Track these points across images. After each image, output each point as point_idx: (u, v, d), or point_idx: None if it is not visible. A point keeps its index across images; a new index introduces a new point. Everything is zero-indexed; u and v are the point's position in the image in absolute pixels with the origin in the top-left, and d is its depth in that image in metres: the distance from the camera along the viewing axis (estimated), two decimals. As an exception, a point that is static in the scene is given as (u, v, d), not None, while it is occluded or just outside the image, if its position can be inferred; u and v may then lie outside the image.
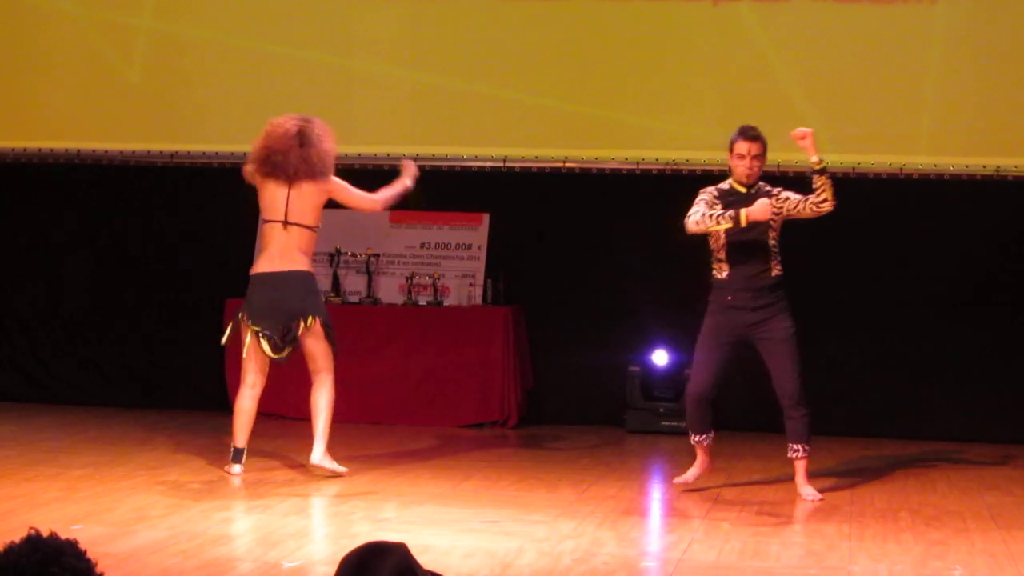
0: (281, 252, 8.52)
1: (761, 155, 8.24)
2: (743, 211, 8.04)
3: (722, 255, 8.28)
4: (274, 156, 8.48)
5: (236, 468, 8.60)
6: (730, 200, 8.16)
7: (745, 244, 8.20)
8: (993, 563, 6.73)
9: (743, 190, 8.24)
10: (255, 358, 8.56)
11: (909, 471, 9.32)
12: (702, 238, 8.35)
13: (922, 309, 10.63)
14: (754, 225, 8.08)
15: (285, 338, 8.47)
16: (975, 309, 10.58)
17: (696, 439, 8.47)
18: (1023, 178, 10.25)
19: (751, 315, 8.22)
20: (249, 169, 8.67)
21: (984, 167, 10.22)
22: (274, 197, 8.52)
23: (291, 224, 8.50)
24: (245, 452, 8.65)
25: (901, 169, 10.32)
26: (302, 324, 8.44)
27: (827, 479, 8.81)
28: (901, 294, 10.67)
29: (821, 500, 8.20)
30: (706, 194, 8.27)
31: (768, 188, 8.27)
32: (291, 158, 8.44)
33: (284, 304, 8.46)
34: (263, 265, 8.57)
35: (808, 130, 8.22)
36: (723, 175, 10.06)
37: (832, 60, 10.36)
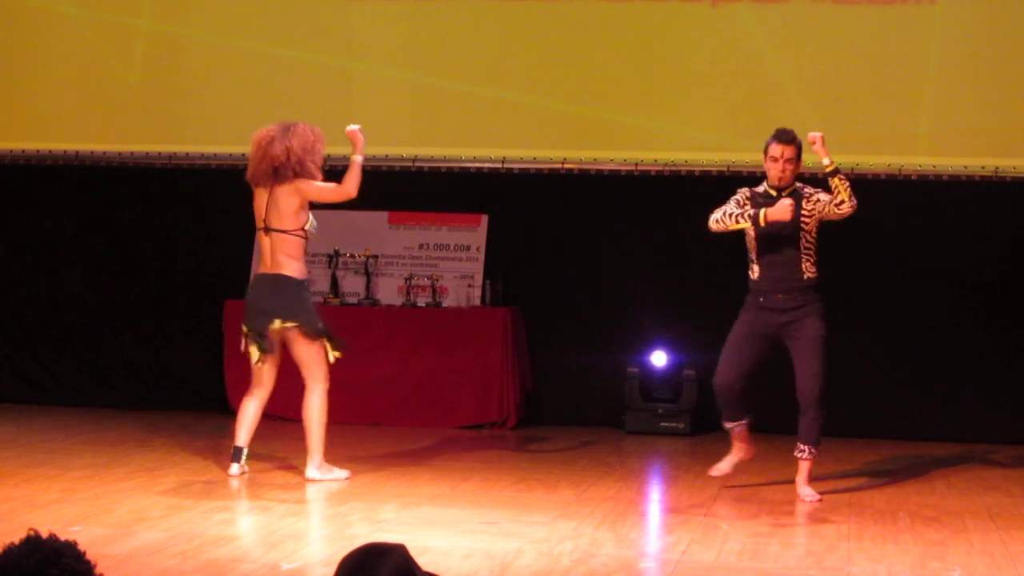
0: (271, 258, 8.58)
1: (794, 159, 8.22)
2: (763, 210, 8.06)
3: (753, 256, 8.30)
4: (249, 164, 8.62)
5: (234, 468, 8.60)
6: (760, 202, 8.18)
7: (775, 245, 8.20)
8: (992, 563, 6.74)
9: (774, 193, 8.23)
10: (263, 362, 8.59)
11: (908, 472, 9.32)
12: (734, 240, 8.37)
13: (921, 310, 10.63)
14: (781, 226, 8.09)
15: (264, 337, 8.49)
16: (974, 310, 10.59)
17: (728, 426, 8.43)
18: (1022, 179, 10.26)
19: (782, 316, 8.22)
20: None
21: (983, 168, 10.22)
22: (258, 205, 8.62)
23: (271, 230, 8.54)
24: (245, 452, 8.64)
25: (900, 170, 10.33)
26: (270, 325, 8.44)
27: (826, 480, 8.81)
28: (899, 295, 10.67)
29: (820, 501, 8.20)
30: (739, 194, 8.29)
31: (804, 190, 8.26)
32: (254, 164, 8.55)
33: (261, 304, 8.51)
34: (256, 270, 8.68)
35: (818, 134, 8.23)
36: (722, 176, 10.11)
37: (831, 61, 10.36)
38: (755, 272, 8.30)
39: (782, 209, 8.03)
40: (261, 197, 8.58)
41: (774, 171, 8.24)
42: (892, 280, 10.69)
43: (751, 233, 8.25)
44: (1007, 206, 10.48)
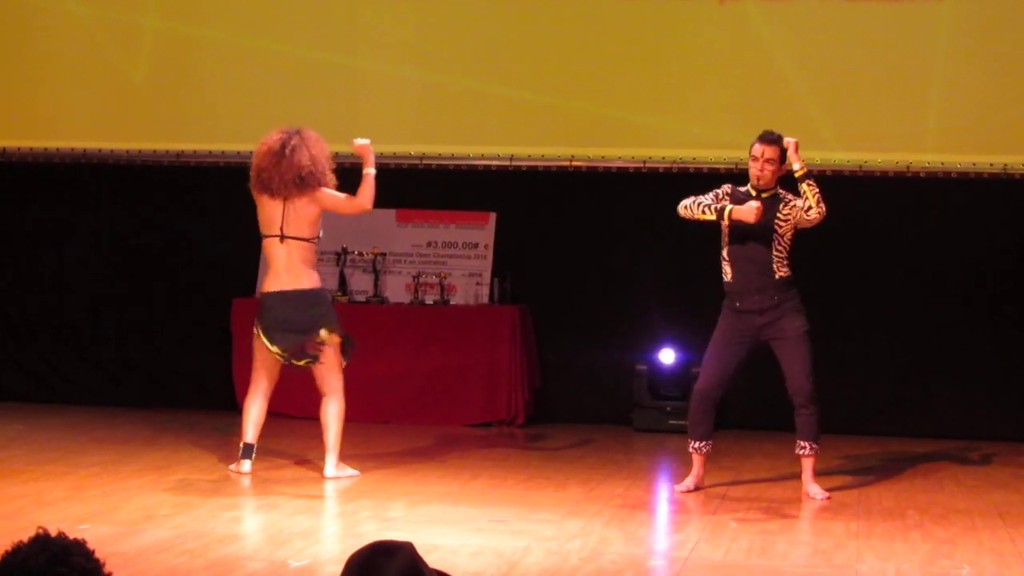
0: (286, 268, 8.54)
1: (775, 160, 8.22)
2: (729, 207, 8.08)
3: (725, 254, 8.32)
4: (261, 173, 8.55)
5: (245, 465, 8.61)
6: (740, 199, 8.18)
7: (746, 246, 8.21)
8: (1000, 561, 6.73)
9: (754, 193, 8.24)
10: (265, 361, 8.59)
11: (916, 469, 9.31)
12: (714, 239, 8.36)
13: (929, 307, 10.62)
14: (745, 225, 8.08)
15: (300, 354, 8.48)
16: (982, 307, 10.58)
17: (694, 446, 8.43)
18: (1030, 176, 10.25)
19: (760, 317, 8.22)
20: (250, 186, 8.73)
21: (991, 165, 10.20)
22: (271, 212, 8.56)
23: (288, 238, 8.52)
24: (254, 448, 8.65)
25: (908, 167, 10.31)
26: (317, 337, 8.44)
27: (834, 477, 8.81)
28: (908, 292, 10.66)
29: (828, 498, 8.19)
30: (720, 189, 8.31)
31: (786, 195, 8.26)
32: (274, 173, 8.47)
33: (296, 324, 8.48)
34: (271, 283, 8.60)
35: (793, 140, 8.23)
36: (729, 174, 10.08)
37: (839, 58, 10.35)
38: (728, 273, 8.31)
39: (748, 210, 8.06)
40: (275, 205, 8.53)
41: (753, 170, 8.28)
42: (900, 277, 10.67)
43: (724, 231, 8.26)
44: (1015, 203, 10.46)
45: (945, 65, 10.20)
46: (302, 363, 8.54)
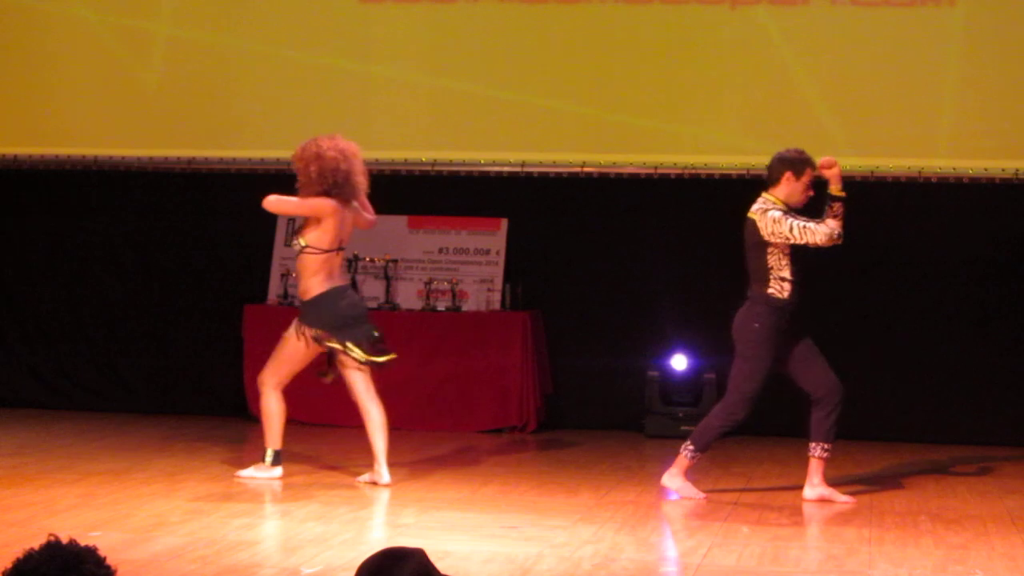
0: (340, 273, 8.57)
1: None
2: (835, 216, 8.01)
3: (787, 274, 8.11)
4: (353, 176, 8.40)
5: (278, 471, 8.59)
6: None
7: (805, 264, 8.14)
8: (1013, 567, 6.71)
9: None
10: (293, 359, 8.54)
11: (929, 475, 9.29)
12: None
13: (941, 312, 10.60)
14: (808, 247, 8.06)
15: (372, 340, 8.47)
16: (995, 312, 10.56)
17: (693, 455, 8.39)
18: (1042, 181, 10.24)
19: (781, 337, 8.20)
20: (322, 203, 8.40)
21: (1003, 170, 10.19)
22: (343, 224, 8.46)
23: (342, 249, 8.55)
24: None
25: (920, 172, 10.30)
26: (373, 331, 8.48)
27: (846, 484, 8.79)
28: (920, 297, 10.64)
29: (853, 503, 8.18)
30: (776, 212, 8.05)
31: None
32: (362, 178, 8.44)
33: (362, 308, 8.53)
34: (326, 284, 8.45)
35: (835, 162, 8.13)
36: (741, 179, 10.08)
37: (850, 63, 10.34)
38: (786, 290, 8.10)
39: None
40: (346, 214, 8.43)
41: (804, 196, 8.13)
42: (913, 283, 10.65)
43: (783, 251, 8.06)
44: (1028, 208, 10.46)
45: (957, 70, 10.19)
46: (382, 359, 8.51)
